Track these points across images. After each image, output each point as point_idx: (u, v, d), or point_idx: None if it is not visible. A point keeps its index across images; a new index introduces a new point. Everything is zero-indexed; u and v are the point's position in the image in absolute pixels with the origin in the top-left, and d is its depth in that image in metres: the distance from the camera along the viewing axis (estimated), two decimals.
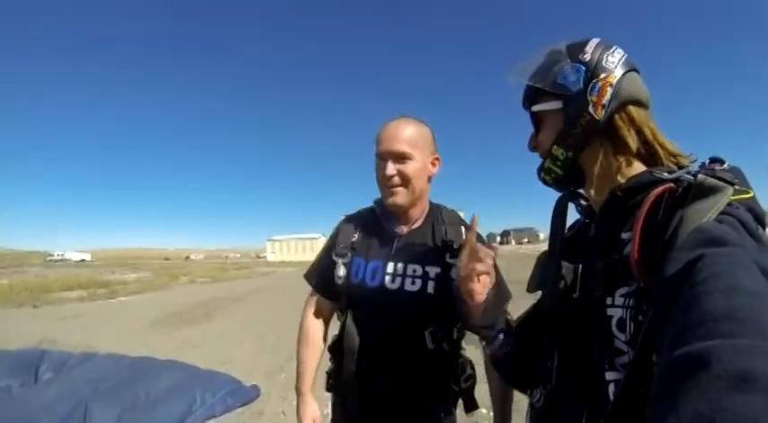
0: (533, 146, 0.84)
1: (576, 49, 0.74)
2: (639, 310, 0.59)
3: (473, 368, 1.29)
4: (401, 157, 1.15)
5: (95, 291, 14.69)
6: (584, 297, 0.70)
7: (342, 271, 1.21)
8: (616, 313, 0.63)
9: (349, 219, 1.34)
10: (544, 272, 0.84)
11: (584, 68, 0.71)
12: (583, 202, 0.84)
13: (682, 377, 0.33)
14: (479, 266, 0.79)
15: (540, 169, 0.81)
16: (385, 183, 1.17)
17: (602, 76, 0.70)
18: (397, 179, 1.16)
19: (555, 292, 0.77)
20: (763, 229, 0.54)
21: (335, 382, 1.27)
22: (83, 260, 78.87)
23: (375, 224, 1.28)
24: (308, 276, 1.37)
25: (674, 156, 0.71)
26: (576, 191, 0.84)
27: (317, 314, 1.36)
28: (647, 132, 0.71)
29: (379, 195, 1.27)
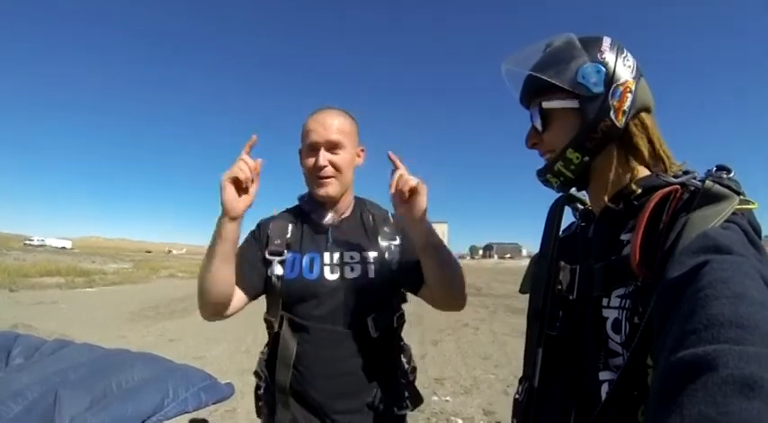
0: (533, 143, 0.79)
1: (592, 47, 0.70)
2: (635, 311, 0.59)
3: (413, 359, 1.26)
4: (333, 147, 1.13)
5: (74, 279, 14.48)
6: (581, 298, 0.71)
7: (279, 269, 1.13)
8: (611, 314, 0.63)
9: (278, 216, 1.26)
10: (536, 272, 0.82)
11: (604, 70, 0.68)
12: (579, 206, 0.84)
13: (687, 379, 0.33)
14: (406, 180, 1.01)
15: (547, 171, 0.76)
16: (316, 173, 1.14)
17: (622, 80, 0.68)
18: (329, 169, 1.14)
19: (549, 293, 0.76)
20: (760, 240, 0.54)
21: (268, 399, 1.16)
22: (63, 247, 76.89)
23: (305, 218, 1.23)
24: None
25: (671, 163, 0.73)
26: (573, 194, 0.84)
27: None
28: (656, 140, 0.71)
29: (300, 192, 1.27)
